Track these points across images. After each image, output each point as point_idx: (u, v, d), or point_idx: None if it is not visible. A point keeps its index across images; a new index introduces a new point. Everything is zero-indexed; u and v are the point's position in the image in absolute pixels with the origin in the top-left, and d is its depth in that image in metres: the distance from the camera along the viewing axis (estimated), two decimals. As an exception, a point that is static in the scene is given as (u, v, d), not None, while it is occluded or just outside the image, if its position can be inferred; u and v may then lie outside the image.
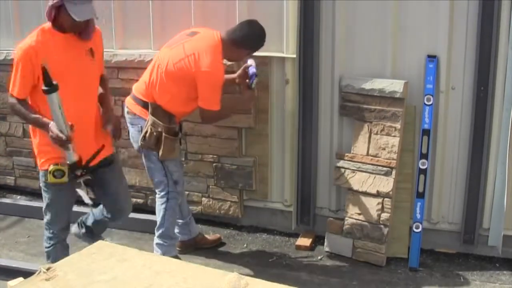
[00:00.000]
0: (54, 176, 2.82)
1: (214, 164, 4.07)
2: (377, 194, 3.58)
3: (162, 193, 3.49)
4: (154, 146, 3.35)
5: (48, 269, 1.73)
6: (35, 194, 4.52)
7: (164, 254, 3.42)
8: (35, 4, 4.37)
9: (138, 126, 3.41)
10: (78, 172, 2.88)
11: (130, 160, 4.24)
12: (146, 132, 3.34)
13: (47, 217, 3.05)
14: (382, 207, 3.57)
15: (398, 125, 3.52)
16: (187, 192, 4.04)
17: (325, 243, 3.85)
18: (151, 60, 3.60)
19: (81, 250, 1.97)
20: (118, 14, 4.18)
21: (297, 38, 3.66)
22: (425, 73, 3.49)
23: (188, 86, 3.30)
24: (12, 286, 1.71)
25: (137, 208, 4.20)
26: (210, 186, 4.14)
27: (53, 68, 2.65)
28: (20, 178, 4.76)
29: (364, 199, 3.64)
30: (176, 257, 3.47)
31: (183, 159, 4.04)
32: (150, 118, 3.33)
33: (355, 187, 3.67)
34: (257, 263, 3.73)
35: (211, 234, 4.07)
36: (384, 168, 3.56)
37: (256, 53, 3.50)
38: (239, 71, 3.56)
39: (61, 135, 2.69)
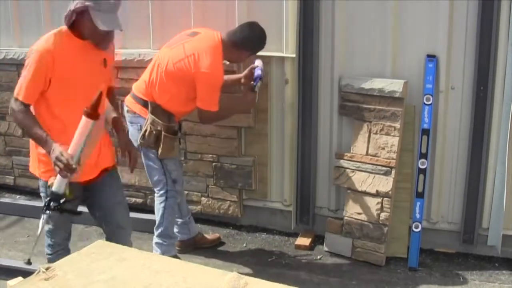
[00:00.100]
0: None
1: (213, 164, 4.07)
2: (377, 194, 3.58)
3: (161, 192, 3.49)
4: (153, 145, 3.36)
5: (47, 268, 1.73)
6: (35, 193, 4.51)
7: (163, 253, 3.42)
8: (34, 3, 4.37)
9: (137, 125, 3.41)
10: (54, 205, 2.50)
11: (129, 160, 4.23)
12: (145, 131, 3.34)
13: (48, 226, 2.77)
14: (382, 206, 3.57)
15: (397, 125, 3.52)
16: (186, 192, 4.04)
17: (325, 243, 3.85)
18: (151, 59, 3.60)
19: (80, 250, 1.97)
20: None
21: (297, 38, 3.66)
22: (425, 73, 3.49)
23: (188, 86, 3.30)
24: (12, 285, 1.71)
25: (136, 208, 4.20)
26: (210, 186, 4.14)
27: (66, 75, 2.55)
28: (20, 177, 4.76)
29: (364, 198, 3.64)
30: (175, 256, 3.47)
31: (182, 158, 4.04)
32: (149, 117, 3.34)
33: (355, 187, 3.67)
34: (256, 262, 3.73)
35: (210, 233, 4.07)
36: (384, 168, 3.56)
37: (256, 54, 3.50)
38: (245, 72, 3.57)
39: (71, 162, 2.41)
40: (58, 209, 2.50)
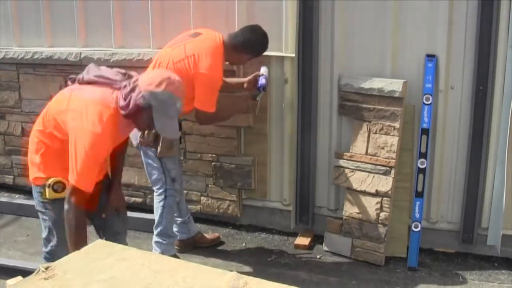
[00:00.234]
0: (54, 190, 2.52)
1: (213, 163, 4.07)
2: (376, 194, 3.58)
3: (160, 191, 3.50)
4: (152, 143, 3.36)
5: (47, 268, 1.72)
6: (34, 193, 4.51)
7: (163, 252, 3.42)
8: (34, 3, 4.36)
9: (137, 124, 3.42)
10: None
11: (128, 159, 4.23)
12: (145, 130, 3.35)
13: (50, 245, 2.64)
14: (381, 206, 3.57)
15: (397, 125, 3.52)
16: (186, 191, 4.04)
17: (324, 242, 3.85)
18: (151, 59, 3.61)
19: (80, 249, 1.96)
20: (117, 13, 4.17)
21: (296, 37, 3.66)
22: (424, 73, 3.49)
23: (187, 86, 3.29)
24: (11, 285, 1.71)
25: (136, 207, 4.20)
26: (209, 185, 4.14)
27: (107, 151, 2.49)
28: (19, 177, 4.75)
29: (363, 198, 3.64)
30: (175, 256, 3.47)
31: (182, 158, 4.04)
32: (149, 116, 3.34)
33: (354, 186, 3.67)
34: (256, 262, 3.73)
35: (210, 233, 4.07)
36: (383, 167, 3.56)
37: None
38: (250, 77, 3.60)
39: None
40: None
